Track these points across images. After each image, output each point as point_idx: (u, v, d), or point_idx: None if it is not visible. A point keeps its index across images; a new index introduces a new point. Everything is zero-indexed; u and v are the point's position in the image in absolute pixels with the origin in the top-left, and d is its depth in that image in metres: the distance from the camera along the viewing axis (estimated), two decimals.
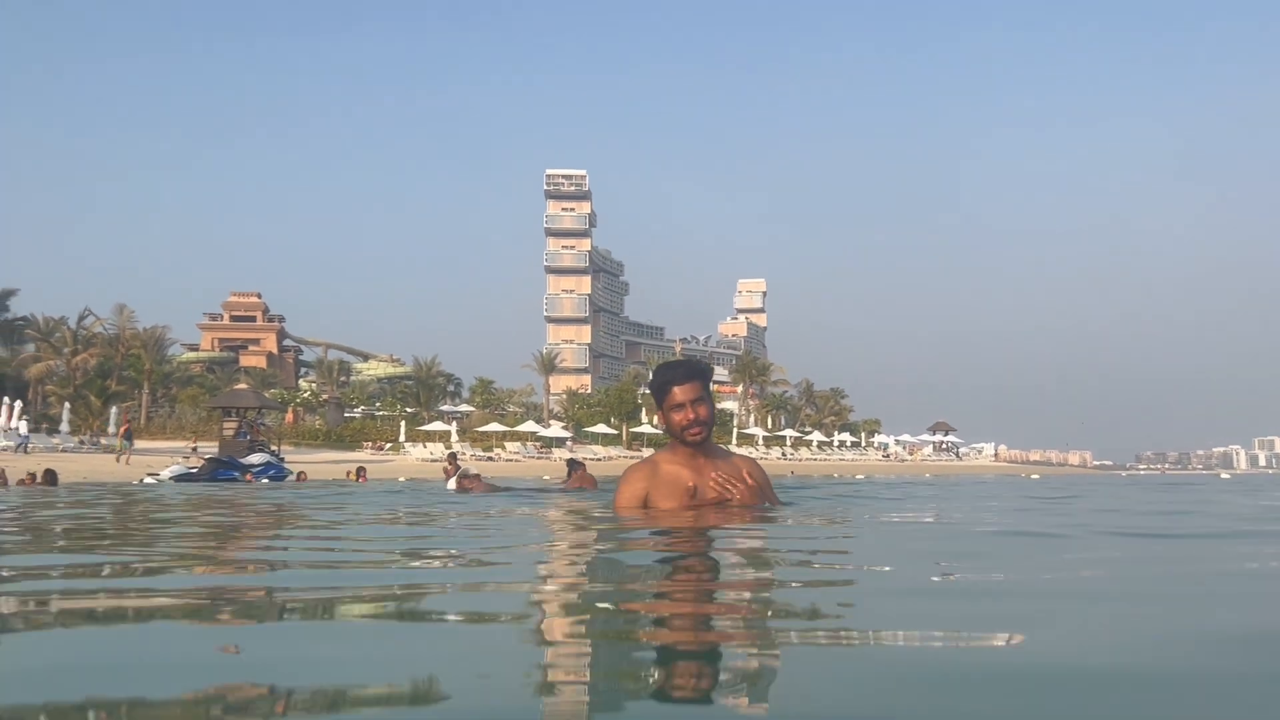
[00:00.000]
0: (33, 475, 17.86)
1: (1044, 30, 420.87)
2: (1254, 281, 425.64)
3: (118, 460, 35.95)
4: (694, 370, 4.72)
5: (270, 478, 21.75)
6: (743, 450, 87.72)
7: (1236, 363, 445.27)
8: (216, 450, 50.06)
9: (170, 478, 19.07)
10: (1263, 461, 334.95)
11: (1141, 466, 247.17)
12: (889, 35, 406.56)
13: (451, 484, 9.72)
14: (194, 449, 48.34)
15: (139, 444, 54.86)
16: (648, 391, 4.90)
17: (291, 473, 23.96)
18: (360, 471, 24.72)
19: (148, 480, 18.77)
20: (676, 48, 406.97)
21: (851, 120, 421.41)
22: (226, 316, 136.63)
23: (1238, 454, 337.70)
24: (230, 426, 52.28)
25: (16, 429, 45.21)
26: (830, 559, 3.03)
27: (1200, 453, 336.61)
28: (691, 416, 4.56)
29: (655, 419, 4.52)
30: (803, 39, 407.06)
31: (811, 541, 3.60)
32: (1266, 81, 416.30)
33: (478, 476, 9.66)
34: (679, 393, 4.59)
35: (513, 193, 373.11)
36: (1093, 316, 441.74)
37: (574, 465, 14.11)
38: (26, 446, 43.18)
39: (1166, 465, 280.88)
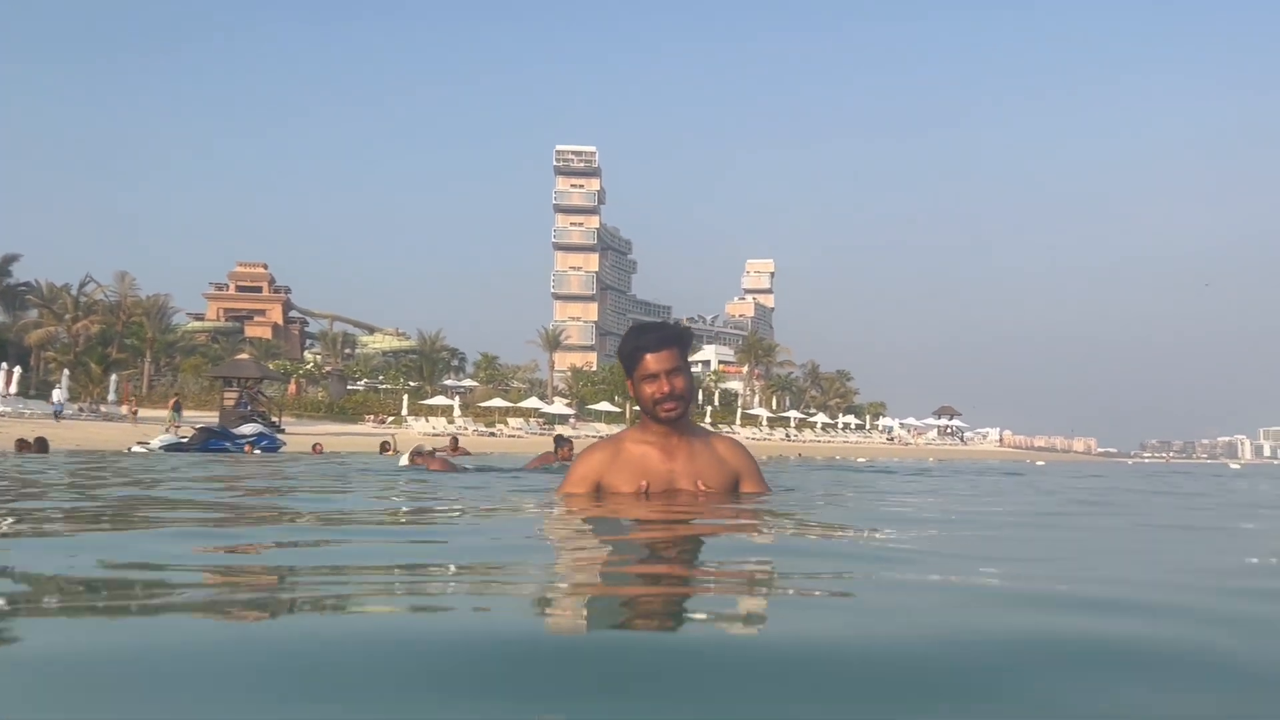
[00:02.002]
0: (26, 441, 17.43)
1: (1061, 18, 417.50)
2: (1262, 270, 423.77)
3: (166, 430, 36.07)
4: (670, 336, 4.01)
5: (263, 448, 21.41)
6: (746, 432, 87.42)
7: (1243, 352, 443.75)
8: (217, 420, 50.07)
9: (160, 447, 18.72)
10: (1267, 451, 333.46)
11: (1146, 454, 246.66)
12: (905, 16, 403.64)
13: (403, 460, 9.26)
14: (133, 411, 48.33)
15: (143, 413, 54.77)
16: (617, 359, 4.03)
17: (285, 444, 23.48)
18: (385, 446, 24.30)
19: (136, 449, 18.43)
20: (689, 26, 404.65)
21: (864, 102, 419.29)
22: (232, 287, 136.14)
23: (1243, 443, 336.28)
24: (231, 397, 52.12)
25: (52, 397, 47.06)
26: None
27: (1205, 442, 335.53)
28: (666, 389, 3.86)
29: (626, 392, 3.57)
30: (817, 17, 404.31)
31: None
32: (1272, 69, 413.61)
33: (432, 453, 9.17)
34: (652, 361, 3.89)
35: (522, 168, 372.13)
36: (1099, 303, 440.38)
37: (560, 442, 13.45)
38: (60, 414, 43.76)
39: (1171, 454, 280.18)
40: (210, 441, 20.51)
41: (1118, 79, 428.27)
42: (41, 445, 16.96)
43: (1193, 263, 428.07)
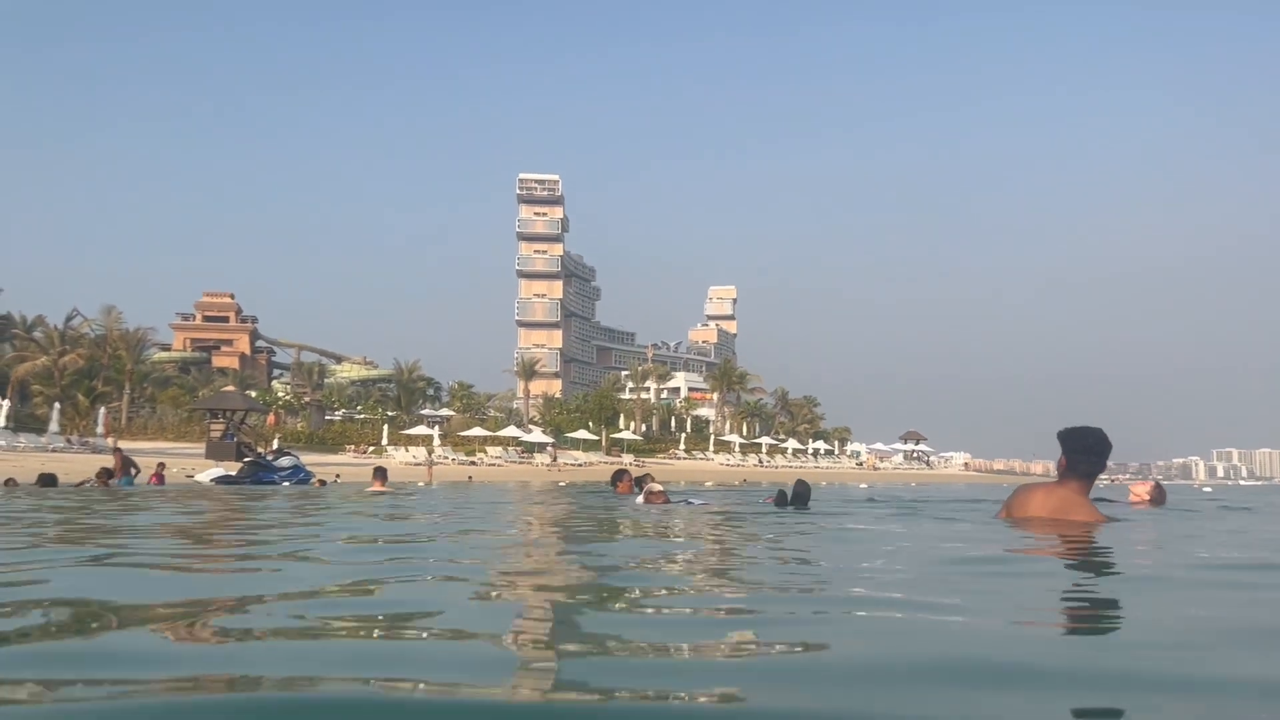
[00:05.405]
0: (108, 470, 17.60)
1: (1024, 45, 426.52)
2: (1214, 296, 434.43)
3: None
4: None
5: (299, 481, 22.01)
6: (720, 458, 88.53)
7: (1195, 375, 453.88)
8: (204, 452, 50.25)
9: (211, 480, 19.39)
10: (1220, 473, 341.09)
11: (1104, 478, 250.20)
12: (875, 36, 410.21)
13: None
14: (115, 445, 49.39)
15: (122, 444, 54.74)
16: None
17: (314, 475, 23.96)
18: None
19: (199, 478, 19.13)
20: (652, 53, 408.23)
21: (826, 127, 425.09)
22: (199, 317, 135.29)
23: (1197, 465, 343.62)
24: (217, 429, 52.29)
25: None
26: None
27: (1160, 464, 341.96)
28: None
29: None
30: (781, 44, 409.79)
31: None
32: (1236, 94, 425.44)
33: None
34: None
35: (486, 196, 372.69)
36: (1057, 328, 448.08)
37: (620, 476, 13.12)
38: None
39: (1126, 476, 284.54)
40: (260, 474, 21.18)
41: (1069, 105, 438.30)
42: (49, 480, 16.86)
43: (1150, 286, 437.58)
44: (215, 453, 48.54)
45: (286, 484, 21.18)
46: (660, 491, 9.85)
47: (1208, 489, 35.34)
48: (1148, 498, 10.08)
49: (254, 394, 73.98)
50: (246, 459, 24.07)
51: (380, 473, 16.46)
